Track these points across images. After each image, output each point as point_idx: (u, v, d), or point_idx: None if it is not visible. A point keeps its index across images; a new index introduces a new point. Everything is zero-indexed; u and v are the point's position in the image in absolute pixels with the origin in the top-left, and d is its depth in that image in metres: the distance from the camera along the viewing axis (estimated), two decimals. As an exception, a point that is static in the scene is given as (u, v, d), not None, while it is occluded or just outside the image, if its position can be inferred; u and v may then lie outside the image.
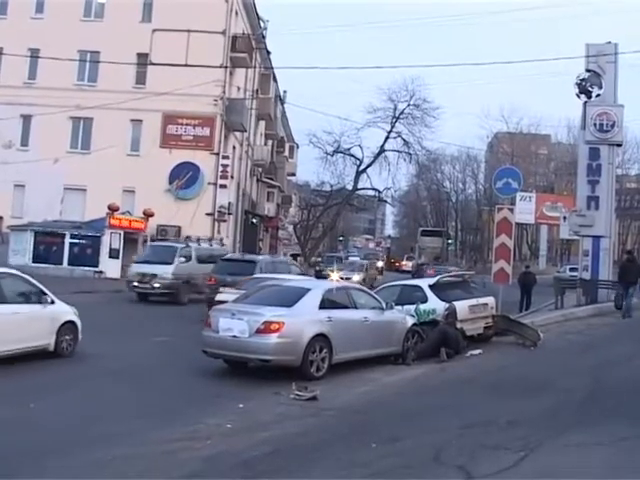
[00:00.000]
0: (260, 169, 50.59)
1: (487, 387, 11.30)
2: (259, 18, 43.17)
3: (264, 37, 44.91)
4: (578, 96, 24.42)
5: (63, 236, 31.05)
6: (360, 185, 63.28)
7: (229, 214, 38.33)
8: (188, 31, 34.93)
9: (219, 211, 36.50)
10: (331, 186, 65.22)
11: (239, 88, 40.34)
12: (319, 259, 55.80)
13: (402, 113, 60.19)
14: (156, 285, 23.81)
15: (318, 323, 11.89)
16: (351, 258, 60.07)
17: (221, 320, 11.81)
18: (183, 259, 24.62)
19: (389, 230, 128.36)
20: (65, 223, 32.45)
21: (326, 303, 12.40)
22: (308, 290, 12.60)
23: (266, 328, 11.35)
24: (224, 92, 36.62)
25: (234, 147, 40.45)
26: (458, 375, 12.55)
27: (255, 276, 17.79)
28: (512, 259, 20.04)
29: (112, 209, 31.34)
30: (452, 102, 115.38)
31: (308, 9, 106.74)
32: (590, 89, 24.19)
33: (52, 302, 12.75)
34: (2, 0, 37.11)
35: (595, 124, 24.07)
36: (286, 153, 59.73)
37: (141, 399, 10.00)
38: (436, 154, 73.71)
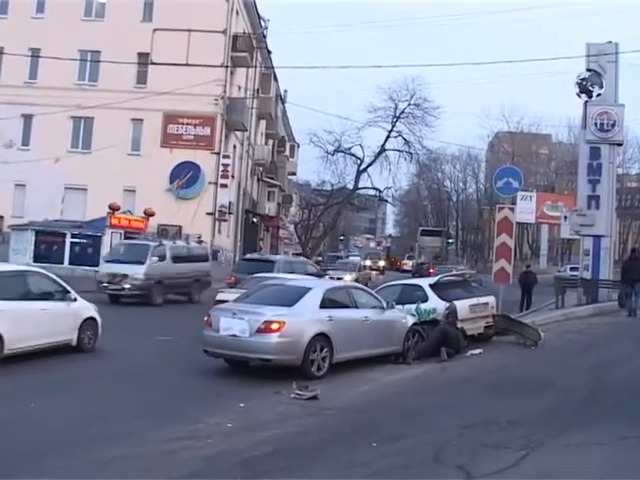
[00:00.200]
0: (261, 168, 50.60)
1: (487, 386, 11.30)
2: (260, 17, 43.19)
3: (265, 36, 44.91)
4: (579, 95, 24.42)
5: (64, 235, 31.00)
6: (361, 184, 63.35)
7: (230, 213, 38.34)
8: (189, 30, 34.93)
9: (220, 210, 36.51)
10: (332, 185, 65.27)
11: (240, 87, 40.35)
12: (320, 258, 55.83)
13: (403, 112, 60.21)
14: (127, 286, 22.39)
15: (319, 322, 11.89)
16: (352, 257, 60.07)
17: (222, 319, 11.81)
18: (156, 258, 23.21)
19: (390, 229, 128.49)
20: (66, 223, 32.43)
21: (327, 302, 12.40)
22: (309, 289, 12.60)
23: (267, 327, 11.36)
24: (225, 91, 36.62)
25: (235, 146, 40.46)
26: (458, 374, 12.55)
27: (255, 275, 17.78)
28: (513, 258, 20.03)
29: (113, 209, 31.32)
30: (452, 101, 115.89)
31: (308, 9, 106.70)
32: (591, 88, 24.19)
33: (75, 299, 13.44)
34: (3, 0, 37.11)
35: (596, 123, 24.07)
36: (287, 152, 59.74)
37: (141, 398, 10.00)
38: (437, 153, 73.87)
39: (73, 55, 35.25)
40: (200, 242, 28.40)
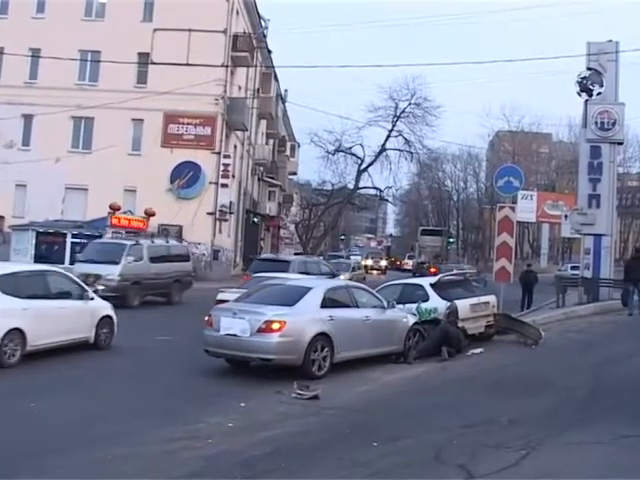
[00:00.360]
0: (261, 168, 50.59)
1: (488, 386, 11.30)
2: (260, 17, 43.18)
3: (265, 36, 44.90)
4: (579, 94, 24.41)
5: (65, 235, 30.92)
6: (361, 184, 63.43)
7: (230, 213, 38.33)
8: (189, 30, 34.92)
9: (220, 210, 36.49)
10: (332, 185, 65.32)
11: (240, 87, 40.34)
12: (321, 258, 55.73)
13: (403, 112, 60.28)
14: (100, 287, 20.59)
15: (319, 322, 11.89)
16: (352, 257, 60.06)
17: (222, 319, 11.81)
18: (132, 258, 22.25)
19: (390, 229, 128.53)
20: (66, 223, 32.38)
21: (327, 302, 12.40)
22: (309, 289, 12.60)
23: (267, 327, 11.35)
24: (225, 91, 36.61)
25: (235, 146, 40.45)
26: (459, 374, 12.55)
27: (256, 275, 17.77)
28: (513, 258, 20.01)
29: (113, 209, 31.31)
30: (453, 101, 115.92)
31: (308, 8, 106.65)
32: (591, 87, 24.18)
33: (92, 298, 13.92)
34: (3, 0, 37.11)
35: (596, 122, 24.06)
36: (287, 152, 59.76)
37: (142, 398, 9.99)
38: (437, 153, 73.88)
39: (73, 55, 35.26)
40: (180, 241, 27.50)
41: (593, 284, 23.33)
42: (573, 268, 38.82)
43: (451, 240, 76.96)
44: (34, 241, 30.74)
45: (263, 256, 24.01)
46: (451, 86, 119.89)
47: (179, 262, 24.73)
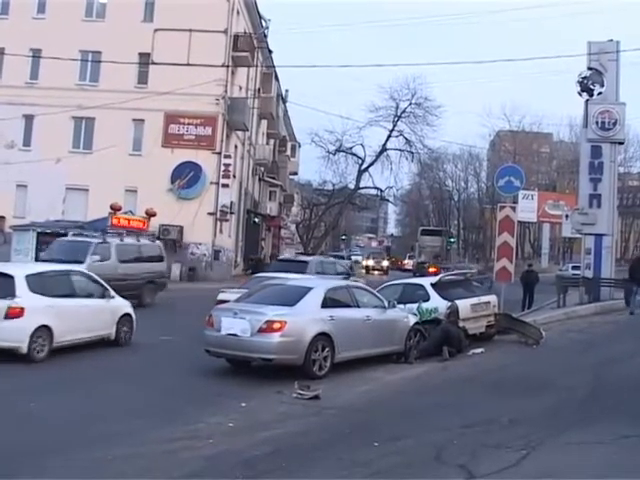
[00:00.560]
0: (262, 168, 50.59)
1: (489, 386, 11.29)
2: (260, 17, 43.16)
3: (266, 36, 44.88)
4: (580, 94, 24.40)
5: (65, 236, 30.98)
6: (362, 184, 63.39)
7: (231, 213, 38.32)
8: (190, 30, 34.90)
9: (221, 210, 36.48)
10: (333, 185, 65.31)
11: (241, 87, 40.32)
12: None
13: (404, 112, 60.24)
14: None
15: (320, 322, 11.89)
16: (353, 257, 60.08)
17: (223, 319, 11.82)
18: (97, 257, 20.95)
19: (391, 229, 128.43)
20: (67, 223, 32.31)
21: (328, 302, 12.40)
22: (310, 289, 12.60)
23: (268, 327, 11.36)
24: (226, 91, 36.59)
25: (236, 146, 40.45)
26: (460, 374, 12.55)
27: (257, 275, 17.77)
28: (514, 257, 20.01)
29: (114, 209, 31.30)
30: (454, 100, 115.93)
31: (309, 8, 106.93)
32: (592, 87, 24.17)
33: (113, 297, 14.53)
34: (4, 0, 37.11)
35: (597, 122, 24.05)
36: (288, 152, 59.74)
37: (142, 398, 9.99)
38: (438, 153, 73.81)
39: (74, 55, 35.24)
40: (154, 240, 26.31)
41: (594, 284, 23.32)
42: (574, 268, 38.82)
43: (452, 240, 76.96)
44: (35, 241, 30.73)
45: (282, 257, 24.19)
46: (452, 86, 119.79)
47: (152, 262, 23.78)
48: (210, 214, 36.01)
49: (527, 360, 14.26)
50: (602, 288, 23.28)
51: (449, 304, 15.14)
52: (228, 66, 36.50)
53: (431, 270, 43.18)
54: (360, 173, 61.87)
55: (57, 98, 33.84)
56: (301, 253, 50.20)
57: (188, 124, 36.11)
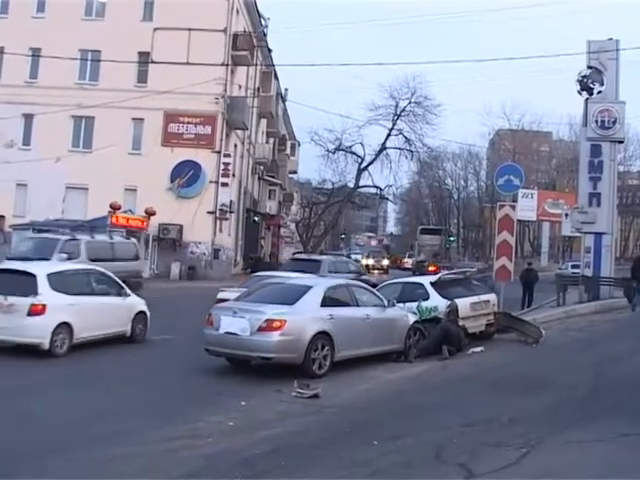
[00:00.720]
0: (262, 167, 50.60)
1: (488, 384, 11.29)
2: (260, 16, 43.16)
3: (265, 35, 44.90)
4: (579, 93, 24.39)
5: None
6: (362, 183, 63.23)
7: (231, 212, 38.33)
8: (189, 29, 34.93)
9: (221, 209, 36.50)
10: (333, 184, 65.21)
11: (240, 86, 40.32)
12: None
13: (403, 110, 60.11)
14: None
15: (320, 321, 11.89)
16: (353, 256, 60.04)
17: (223, 318, 11.81)
18: (65, 255, 19.72)
19: (391, 228, 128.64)
20: (67, 222, 32.35)
21: (328, 301, 12.40)
22: (310, 288, 12.60)
23: (268, 326, 11.35)
24: (225, 90, 36.60)
25: (235, 145, 40.45)
26: (459, 372, 12.54)
27: (256, 274, 17.76)
28: (514, 256, 20.02)
29: (114, 208, 31.31)
30: (453, 99, 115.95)
31: (308, 7, 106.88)
32: (591, 86, 24.16)
33: (129, 295, 14.96)
34: (3, 0, 37.10)
35: (597, 121, 24.04)
36: (287, 151, 59.73)
37: (142, 397, 9.98)
38: (438, 151, 73.71)
39: (74, 54, 35.28)
40: (128, 238, 25.23)
41: (594, 282, 23.33)
42: (574, 267, 38.81)
43: (451, 239, 76.98)
44: (35, 241, 30.60)
45: (296, 256, 24.52)
46: (452, 84, 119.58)
47: (126, 261, 22.58)
48: (210, 213, 36.04)
49: (527, 359, 14.26)
50: (602, 287, 23.30)
51: (449, 303, 15.14)
52: (227, 65, 36.52)
53: (431, 269, 43.19)
54: (360, 172, 61.80)
55: (57, 97, 33.86)
56: (300, 252, 50.17)
57: (188, 123, 36.14)
